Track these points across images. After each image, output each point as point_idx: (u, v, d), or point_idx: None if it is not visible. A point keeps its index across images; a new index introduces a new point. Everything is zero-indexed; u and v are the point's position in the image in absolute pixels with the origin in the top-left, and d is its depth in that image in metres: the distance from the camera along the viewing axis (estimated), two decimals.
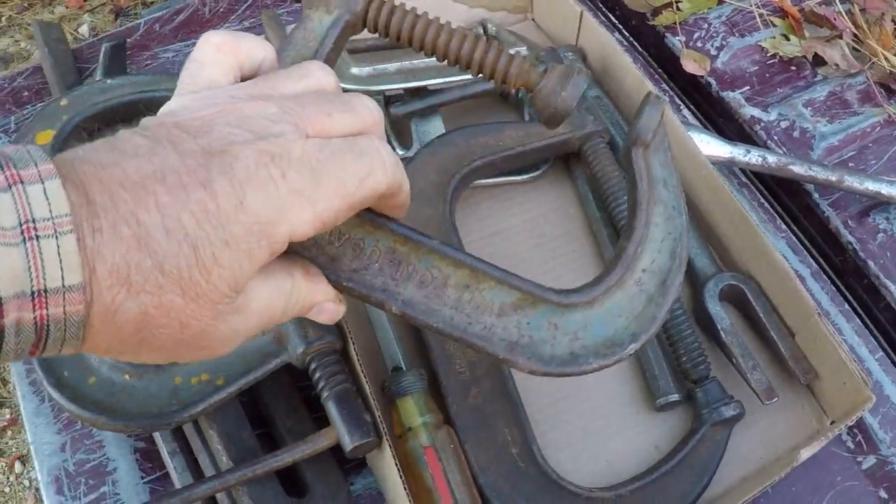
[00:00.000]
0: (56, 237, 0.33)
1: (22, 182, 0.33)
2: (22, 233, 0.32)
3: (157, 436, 0.69)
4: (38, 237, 0.33)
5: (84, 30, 2.45)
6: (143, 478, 0.71)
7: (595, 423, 0.75)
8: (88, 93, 0.82)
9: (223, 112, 0.40)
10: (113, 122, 0.80)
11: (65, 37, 0.96)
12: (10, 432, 1.85)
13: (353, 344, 0.67)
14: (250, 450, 0.69)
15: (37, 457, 0.72)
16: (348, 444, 0.64)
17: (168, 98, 0.47)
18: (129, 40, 0.98)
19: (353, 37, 0.89)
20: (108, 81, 0.82)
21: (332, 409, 0.65)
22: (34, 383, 0.74)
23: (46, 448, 0.71)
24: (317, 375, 0.67)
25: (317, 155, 0.40)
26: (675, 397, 0.74)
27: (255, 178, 0.38)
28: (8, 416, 1.86)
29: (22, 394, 0.74)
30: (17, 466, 1.81)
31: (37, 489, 1.78)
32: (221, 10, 1.01)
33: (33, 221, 0.33)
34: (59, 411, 0.73)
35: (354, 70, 0.85)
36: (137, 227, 0.35)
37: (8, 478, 1.79)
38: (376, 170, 0.42)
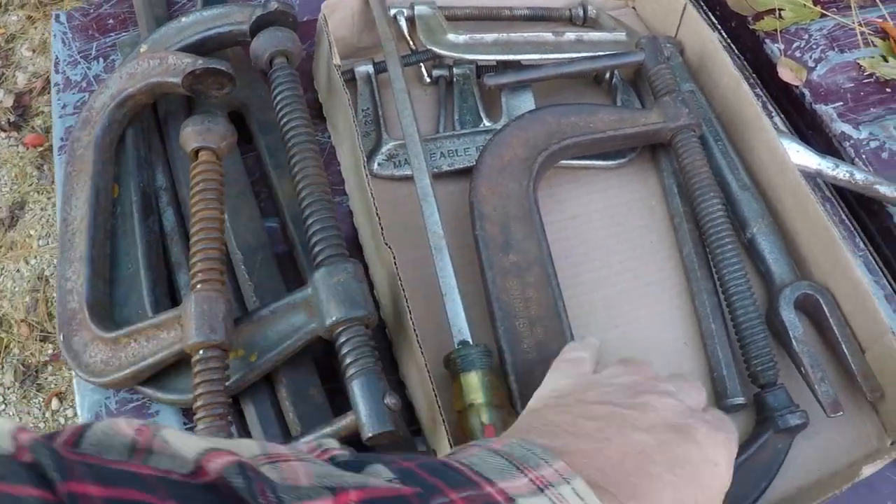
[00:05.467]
0: None
1: (551, 485, 0.40)
2: None
3: None
4: None
5: None
6: (185, 423, 0.70)
7: None
8: (165, 35, 0.82)
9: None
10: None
11: None
12: (50, 368, 1.86)
13: (411, 313, 0.66)
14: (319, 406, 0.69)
15: (78, 391, 0.72)
16: (367, 432, 0.62)
17: (238, 31, 0.65)
18: None
19: (449, 3, 0.89)
20: (183, 20, 0.82)
21: (354, 392, 0.63)
22: None
23: (89, 384, 0.70)
24: (344, 351, 0.65)
25: None
26: (741, 400, 0.73)
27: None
28: (51, 352, 1.87)
29: None
30: (55, 403, 1.82)
31: None
32: None
33: None
34: None
35: (451, 37, 0.85)
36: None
37: (44, 413, 1.80)
38: None
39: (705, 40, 0.89)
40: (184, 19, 0.83)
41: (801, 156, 0.84)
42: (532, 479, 0.40)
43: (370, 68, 0.87)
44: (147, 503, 0.30)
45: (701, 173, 0.79)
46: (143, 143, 0.81)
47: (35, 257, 1.98)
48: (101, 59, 0.92)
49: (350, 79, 0.87)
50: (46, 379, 1.85)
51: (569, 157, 0.83)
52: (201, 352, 0.63)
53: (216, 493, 0.32)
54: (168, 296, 0.74)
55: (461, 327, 0.70)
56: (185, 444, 0.34)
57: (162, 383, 0.70)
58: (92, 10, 0.96)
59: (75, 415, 1.80)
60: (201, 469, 0.33)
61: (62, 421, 1.79)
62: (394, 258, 0.69)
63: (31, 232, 2.04)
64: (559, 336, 0.71)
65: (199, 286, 0.65)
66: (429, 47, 0.85)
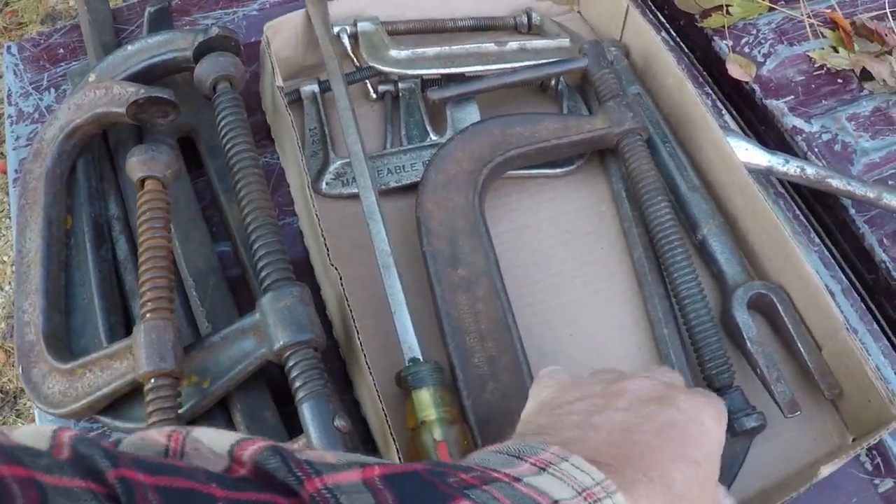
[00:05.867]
0: (610, 497, 0.41)
1: (551, 464, 0.42)
2: (584, 499, 0.40)
3: None
4: (598, 500, 0.40)
5: None
6: None
7: None
8: (112, 64, 0.82)
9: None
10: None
11: None
12: None
13: (358, 334, 0.66)
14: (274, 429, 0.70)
15: (40, 422, 0.72)
16: None
17: (182, 58, 0.69)
18: (171, 4, 0.98)
19: (393, 18, 0.90)
20: (128, 48, 0.83)
21: (304, 415, 0.64)
22: None
23: (49, 416, 0.70)
24: (293, 375, 0.65)
25: None
26: None
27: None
28: None
29: None
30: None
31: None
32: None
33: (586, 489, 0.41)
34: None
35: (393, 52, 0.85)
36: (650, 476, 0.45)
37: None
38: None
39: (649, 42, 0.89)
40: (129, 47, 0.83)
41: (749, 153, 0.84)
42: (532, 463, 0.42)
43: (315, 88, 0.87)
44: (194, 490, 0.32)
45: (648, 177, 0.79)
46: (94, 174, 0.81)
47: (9, 283, 1.98)
48: (52, 90, 0.92)
49: (296, 99, 0.87)
50: (25, 405, 1.84)
51: (516, 168, 0.83)
52: (152, 380, 0.64)
53: (253, 481, 0.35)
54: (123, 324, 0.75)
55: (411, 344, 0.70)
56: (217, 440, 0.37)
57: (119, 412, 0.70)
58: (43, 41, 0.96)
59: None
60: (236, 460, 0.36)
61: None
62: (340, 278, 0.69)
63: (4, 258, 2.04)
64: (510, 349, 0.71)
65: (148, 315, 0.66)
66: (371, 64, 0.85)
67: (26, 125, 0.90)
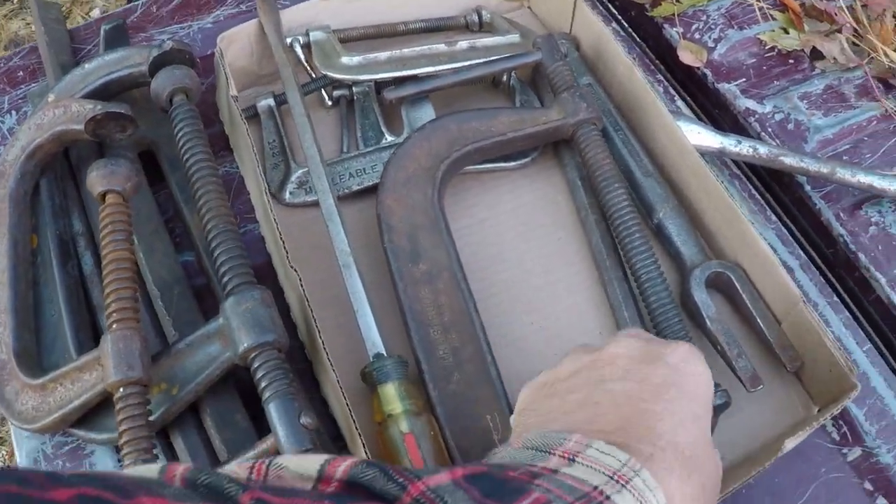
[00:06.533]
0: (637, 475, 0.43)
1: (578, 453, 0.44)
2: (617, 481, 0.42)
3: None
4: (628, 480, 0.43)
5: (96, 13, 2.46)
6: (119, 461, 0.71)
7: None
8: (71, 82, 0.84)
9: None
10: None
11: (62, 17, 0.98)
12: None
13: (319, 332, 0.67)
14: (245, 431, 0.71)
15: (16, 440, 0.73)
16: (286, 452, 0.63)
17: (138, 73, 0.71)
18: (126, 21, 0.99)
19: (344, 26, 0.91)
20: (86, 66, 0.84)
21: (271, 414, 0.65)
22: None
23: (24, 432, 0.72)
24: (258, 376, 0.66)
25: None
26: None
27: None
28: None
29: None
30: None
31: None
32: None
33: (616, 472, 0.43)
34: None
35: (345, 59, 0.86)
36: (661, 446, 0.47)
37: (8, 465, 1.80)
38: None
39: (598, 33, 0.91)
40: (87, 66, 0.84)
41: (701, 136, 0.85)
42: (560, 455, 0.44)
43: (271, 101, 0.88)
44: None
45: (603, 166, 0.80)
46: (57, 192, 0.82)
47: None
48: (13, 112, 0.93)
49: (254, 115, 0.88)
50: (8, 432, 1.84)
51: (473, 163, 0.84)
52: (121, 389, 0.65)
53: (346, 495, 0.37)
54: (92, 338, 0.75)
55: (374, 340, 0.71)
56: (303, 464, 0.38)
57: (91, 423, 0.71)
58: (2, 64, 0.97)
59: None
60: (325, 478, 0.37)
61: None
62: (300, 280, 0.70)
63: None
64: (473, 339, 0.72)
65: (114, 326, 0.67)
66: (325, 73, 0.87)
67: None
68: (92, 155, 0.84)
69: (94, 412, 0.71)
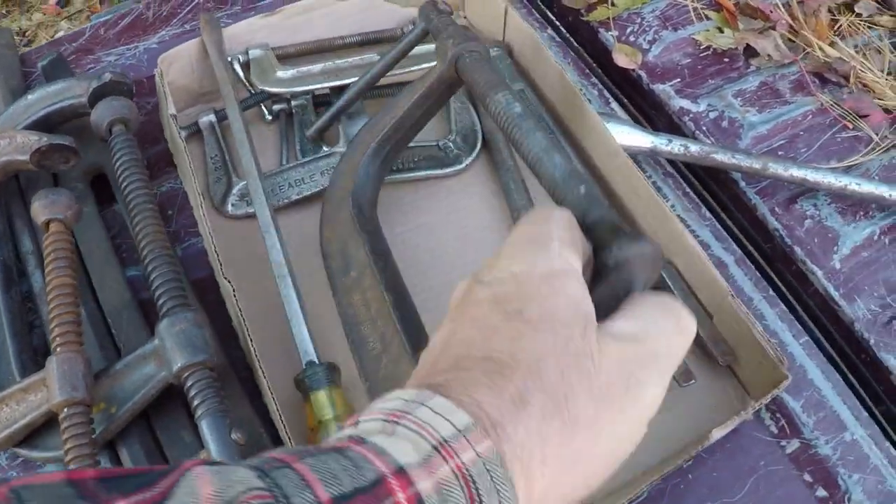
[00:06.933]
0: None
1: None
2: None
3: None
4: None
5: (61, 35, 2.49)
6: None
7: None
8: (15, 113, 0.87)
9: None
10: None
11: (13, 42, 1.00)
12: None
13: (252, 342, 0.70)
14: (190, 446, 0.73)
15: None
16: None
17: (79, 104, 0.75)
18: (74, 44, 1.02)
19: (281, 43, 0.93)
20: (29, 97, 0.87)
21: (204, 431, 0.67)
22: None
23: None
24: (191, 394, 0.68)
25: None
26: None
27: None
28: None
29: None
30: None
31: None
32: (164, 13, 1.05)
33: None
34: None
35: (280, 73, 0.88)
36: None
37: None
38: None
39: (529, 38, 0.92)
40: (30, 96, 0.87)
41: (632, 136, 0.86)
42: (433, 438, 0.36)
43: (212, 118, 0.90)
44: None
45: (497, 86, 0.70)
46: (1, 217, 0.84)
47: None
48: None
49: (196, 131, 0.90)
50: None
51: (394, 159, 0.85)
52: (66, 409, 0.67)
53: None
54: (34, 360, 0.77)
55: (307, 349, 0.73)
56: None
57: (35, 442, 0.73)
58: None
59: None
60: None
61: None
62: (233, 291, 0.72)
63: None
64: (388, 317, 0.72)
65: (58, 349, 0.69)
66: (261, 88, 0.89)
67: None
68: (41, 177, 0.86)
69: (39, 431, 0.72)
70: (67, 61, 0.97)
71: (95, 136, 0.85)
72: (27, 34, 2.55)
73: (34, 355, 0.78)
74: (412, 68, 0.91)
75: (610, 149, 0.82)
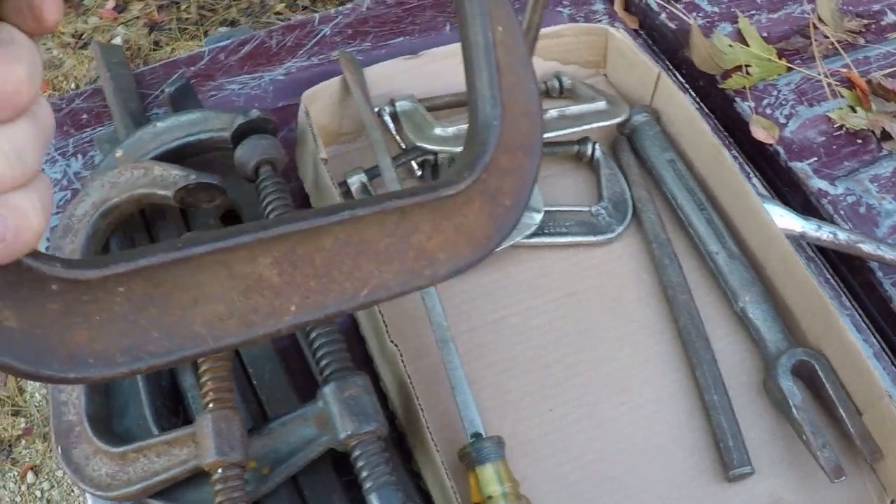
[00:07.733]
0: None
1: None
2: None
3: None
4: None
5: (118, 41, 2.45)
6: None
7: (671, 495, 0.75)
8: (141, 140, 0.82)
9: None
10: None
11: (126, 60, 0.96)
12: (23, 441, 1.83)
13: (423, 412, 0.68)
14: None
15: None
16: None
17: (218, 138, 0.70)
18: (192, 69, 0.98)
19: (422, 87, 0.90)
20: (158, 125, 0.83)
21: (373, 503, 0.65)
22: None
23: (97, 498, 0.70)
24: (359, 464, 0.66)
25: None
26: (748, 469, 0.74)
27: None
28: (23, 426, 1.84)
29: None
30: (30, 477, 1.79)
31: (48, 500, 1.76)
32: (288, 43, 1.01)
33: None
34: None
35: (438, 131, 0.85)
36: None
37: (20, 487, 1.77)
38: None
39: (682, 107, 0.90)
40: (159, 124, 0.83)
41: (784, 219, 0.85)
42: None
43: (363, 177, 0.86)
44: None
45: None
46: (126, 249, 0.80)
47: None
48: (79, 156, 0.91)
49: (346, 191, 0.86)
50: (20, 452, 1.82)
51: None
52: (220, 470, 0.64)
53: None
54: (167, 406, 0.74)
55: (472, 419, 0.71)
56: None
57: (174, 496, 0.70)
58: (64, 105, 0.94)
59: (51, 487, 1.78)
60: None
61: (38, 494, 1.77)
62: (400, 355, 0.70)
63: None
64: None
65: (211, 405, 0.66)
66: (418, 144, 0.86)
67: (55, 192, 0.88)
68: (168, 210, 0.82)
69: (179, 484, 0.69)
70: (192, 87, 0.92)
71: (228, 169, 0.82)
72: (83, 37, 2.49)
73: (165, 400, 0.75)
74: (569, 129, 0.88)
75: (770, 233, 0.81)
